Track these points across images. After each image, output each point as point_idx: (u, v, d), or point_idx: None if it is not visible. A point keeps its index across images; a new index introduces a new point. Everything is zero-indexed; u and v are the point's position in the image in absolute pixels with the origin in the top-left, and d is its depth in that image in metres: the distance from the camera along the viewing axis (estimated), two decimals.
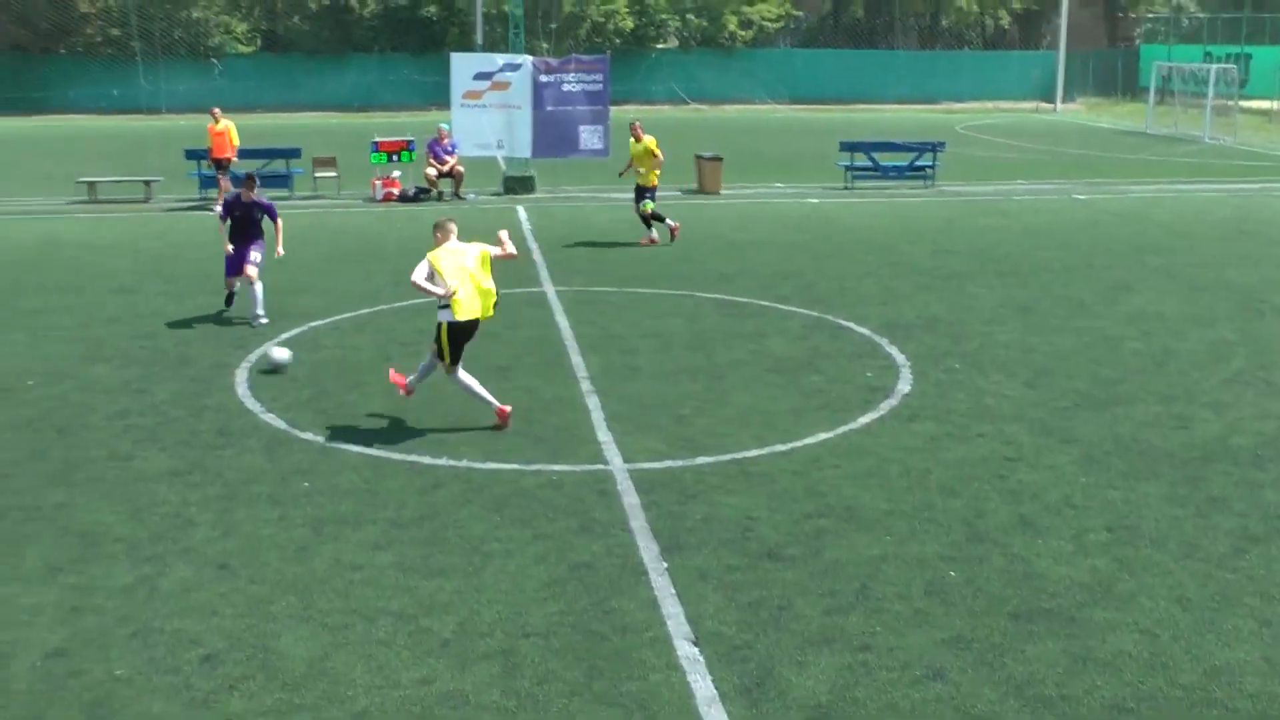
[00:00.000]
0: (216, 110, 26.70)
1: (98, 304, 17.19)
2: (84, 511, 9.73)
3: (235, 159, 26.31)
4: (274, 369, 13.52)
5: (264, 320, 15.75)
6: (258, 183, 16.60)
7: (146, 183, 27.53)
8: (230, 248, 15.93)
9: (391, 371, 12.25)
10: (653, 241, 21.49)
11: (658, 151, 21.76)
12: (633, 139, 22.28)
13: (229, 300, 16.28)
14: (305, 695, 6.94)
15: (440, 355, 11.58)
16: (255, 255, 15.94)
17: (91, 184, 27.40)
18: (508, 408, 11.59)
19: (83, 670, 7.29)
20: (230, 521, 9.44)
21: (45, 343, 15.05)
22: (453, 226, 11.88)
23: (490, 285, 11.55)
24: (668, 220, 21.73)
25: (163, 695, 6.98)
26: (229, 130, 26.02)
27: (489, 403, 11.57)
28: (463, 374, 11.63)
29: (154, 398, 12.69)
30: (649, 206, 21.60)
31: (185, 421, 11.88)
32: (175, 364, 13.93)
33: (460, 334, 11.46)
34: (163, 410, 12.25)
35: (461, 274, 11.34)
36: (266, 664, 7.29)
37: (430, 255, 11.48)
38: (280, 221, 15.99)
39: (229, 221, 15.98)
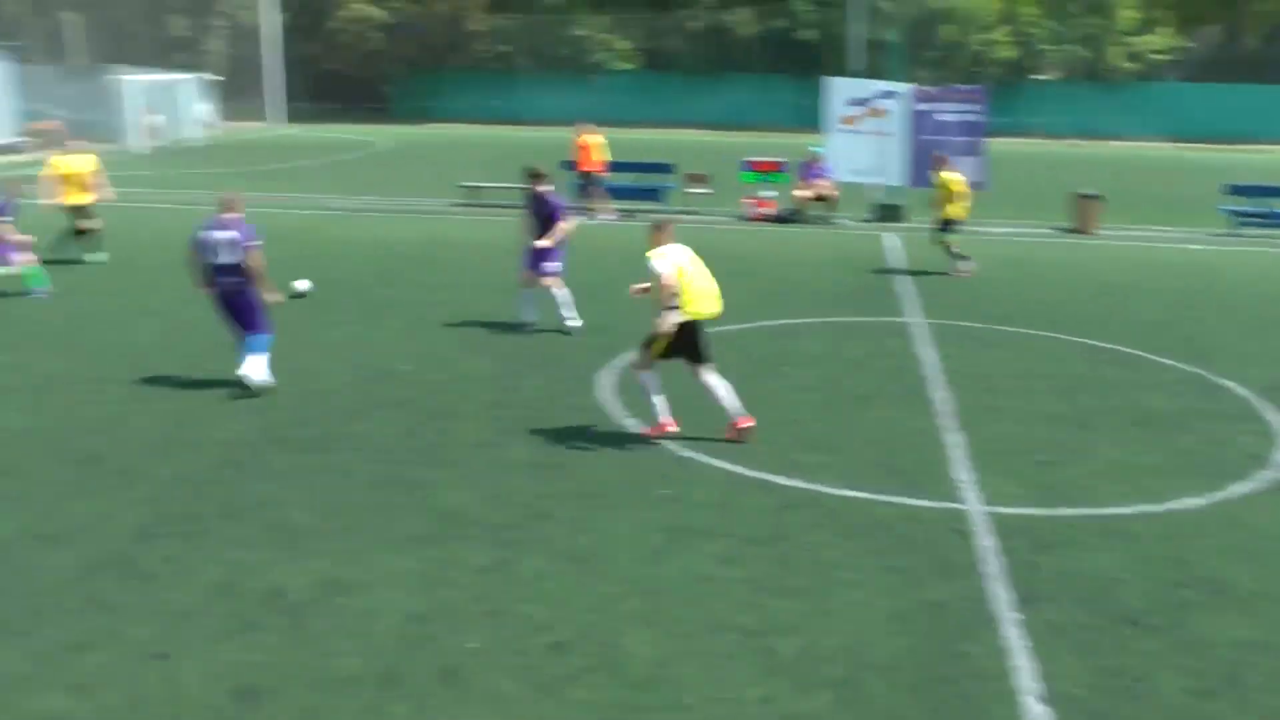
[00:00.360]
0: (584, 124, 27.94)
1: (473, 300, 18.24)
2: (449, 491, 10.40)
3: (605, 172, 27.36)
4: (297, 295, 15.12)
5: (574, 323, 16.23)
6: (545, 178, 16.52)
7: (523, 189, 28.78)
8: (538, 243, 16.10)
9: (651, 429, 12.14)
10: (967, 273, 21.11)
11: (955, 187, 21.37)
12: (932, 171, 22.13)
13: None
14: (646, 697, 7.17)
15: (648, 348, 11.80)
16: (552, 264, 16.25)
17: (472, 188, 29.08)
18: (668, 427, 11.83)
19: (437, 637, 7.83)
20: (586, 518, 9.84)
21: (423, 332, 16.16)
22: (671, 227, 12.04)
23: (713, 283, 11.84)
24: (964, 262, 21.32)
25: (511, 674, 7.38)
26: (595, 144, 27.07)
27: (655, 413, 11.84)
28: (649, 374, 11.88)
29: (522, 393, 13.41)
30: (943, 239, 21.45)
31: (551, 417, 12.47)
32: (544, 362, 14.64)
33: (687, 334, 11.67)
34: (530, 405, 12.92)
35: (684, 273, 11.60)
36: (611, 660, 7.57)
37: (651, 255, 11.74)
38: (565, 224, 16.00)
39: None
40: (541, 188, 16.30)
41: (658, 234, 11.94)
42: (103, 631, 7.84)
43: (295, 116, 57.91)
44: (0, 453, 11.31)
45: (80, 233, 20.76)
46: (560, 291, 16.32)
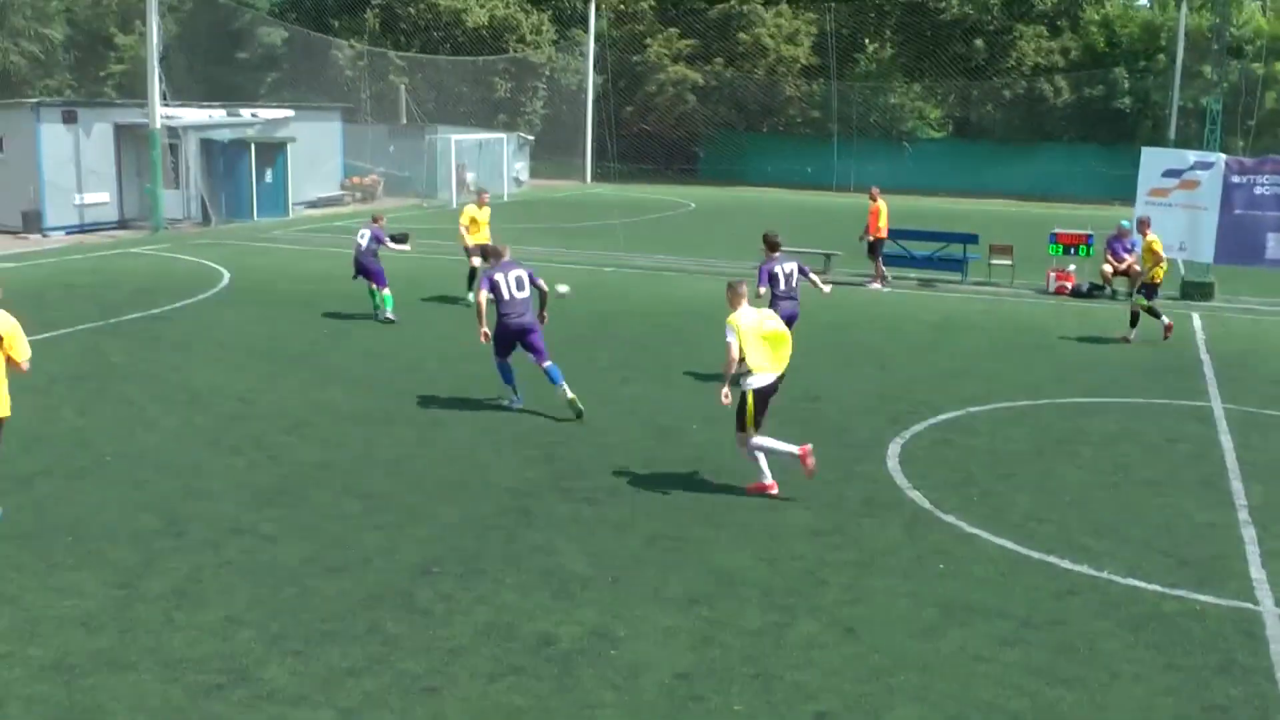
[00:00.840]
0: (874, 190, 27.99)
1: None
2: (726, 551, 10.50)
3: (886, 238, 27.38)
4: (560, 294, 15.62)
5: None
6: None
7: (826, 255, 28.89)
8: None
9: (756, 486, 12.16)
10: (1126, 340, 21.07)
11: (1158, 250, 21.10)
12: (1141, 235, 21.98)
13: None
14: None
15: (743, 426, 11.86)
16: None
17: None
18: (808, 446, 11.82)
19: (704, 697, 7.89)
20: (862, 588, 9.77)
21: (713, 393, 16.14)
22: (744, 289, 12.15)
23: (783, 331, 12.06)
24: (1163, 317, 21.16)
25: None
26: (880, 210, 27.07)
27: (790, 452, 11.79)
28: (758, 439, 11.87)
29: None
30: (1142, 302, 21.19)
31: (835, 485, 12.43)
32: (835, 430, 14.60)
33: (763, 397, 11.84)
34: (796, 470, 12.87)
35: (757, 337, 11.74)
36: None
37: (731, 320, 11.82)
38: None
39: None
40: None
41: (733, 296, 12.17)
42: (377, 660, 8.28)
43: (607, 176, 59.72)
44: (296, 484, 12.12)
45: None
46: None
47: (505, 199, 49.00)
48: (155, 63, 36.11)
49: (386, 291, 21.15)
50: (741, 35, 61.16)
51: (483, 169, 50.92)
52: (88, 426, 14.33)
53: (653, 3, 63.45)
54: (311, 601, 9.23)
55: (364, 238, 21.18)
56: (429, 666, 8.21)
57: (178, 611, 9.03)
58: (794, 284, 16.77)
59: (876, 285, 27.11)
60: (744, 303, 12.11)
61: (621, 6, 63.22)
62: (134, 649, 8.41)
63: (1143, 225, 22.40)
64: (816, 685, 8.08)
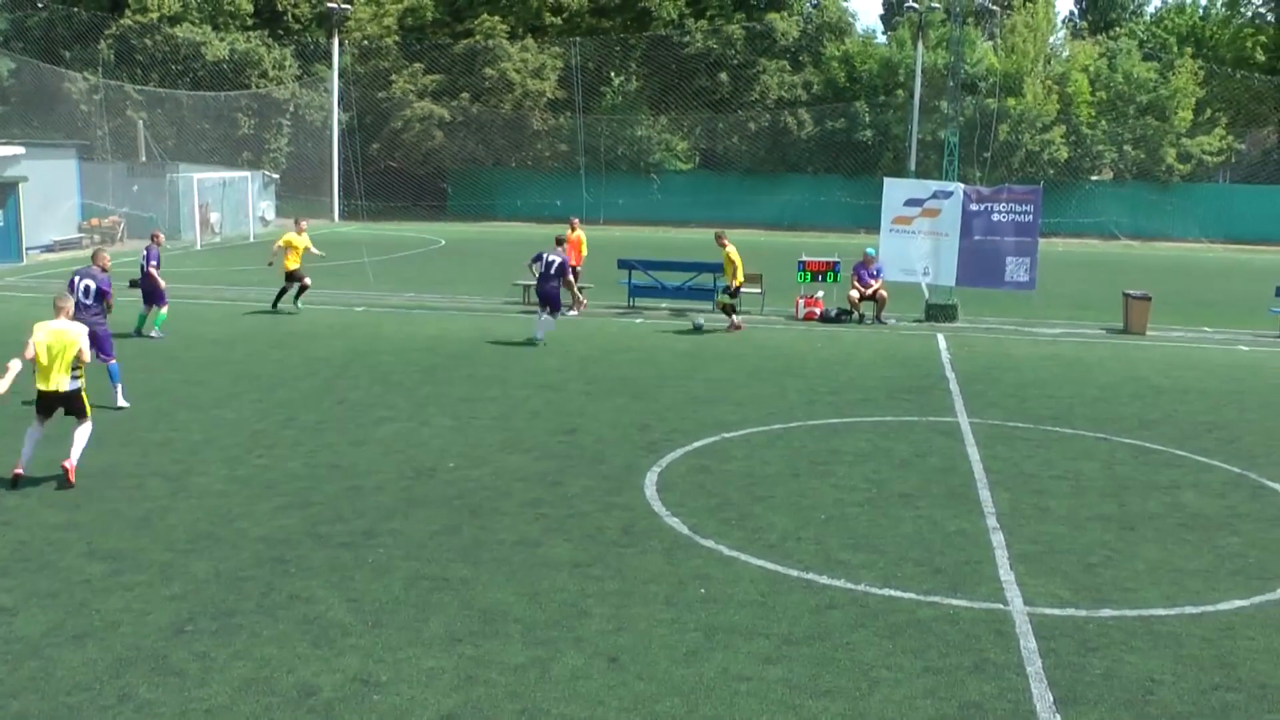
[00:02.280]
0: (574, 220, 30.23)
1: (522, 398, 18.32)
2: (487, 589, 10.36)
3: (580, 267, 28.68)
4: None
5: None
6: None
7: (579, 288, 28.94)
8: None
9: None
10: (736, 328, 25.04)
11: (736, 259, 25.46)
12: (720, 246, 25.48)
13: None
14: None
15: None
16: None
17: (526, 287, 29.26)
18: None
19: None
20: (625, 617, 9.78)
21: (470, 429, 16.22)
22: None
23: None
24: (735, 317, 25.30)
25: None
26: (580, 240, 28.79)
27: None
28: None
29: (566, 490, 13.39)
30: (725, 299, 25.36)
31: (593, 516, 12.44)
32: (590, 461, 14.63)
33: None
34: (573, 503, 12.89)
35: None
36: None
37: None
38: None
39: None
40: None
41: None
42: None
43: (355, 213, 58.85)
44: (35, 549, 11.34)
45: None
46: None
47: (251, 239, 47.81)
48: None
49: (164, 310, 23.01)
50: (487, 70, 61.21)
51: (227, 208, 49.59)
52: None
53: (396, 38, 62.92)
54: (56, 674, 8.63)
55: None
56: None
57: None
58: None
59: (575, 312, 27.42)
60: None
61: (365, 42, 62.52)
62: None
63: (720, 238, 26.08)
64: (582, 717, 8.04)
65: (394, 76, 61.94)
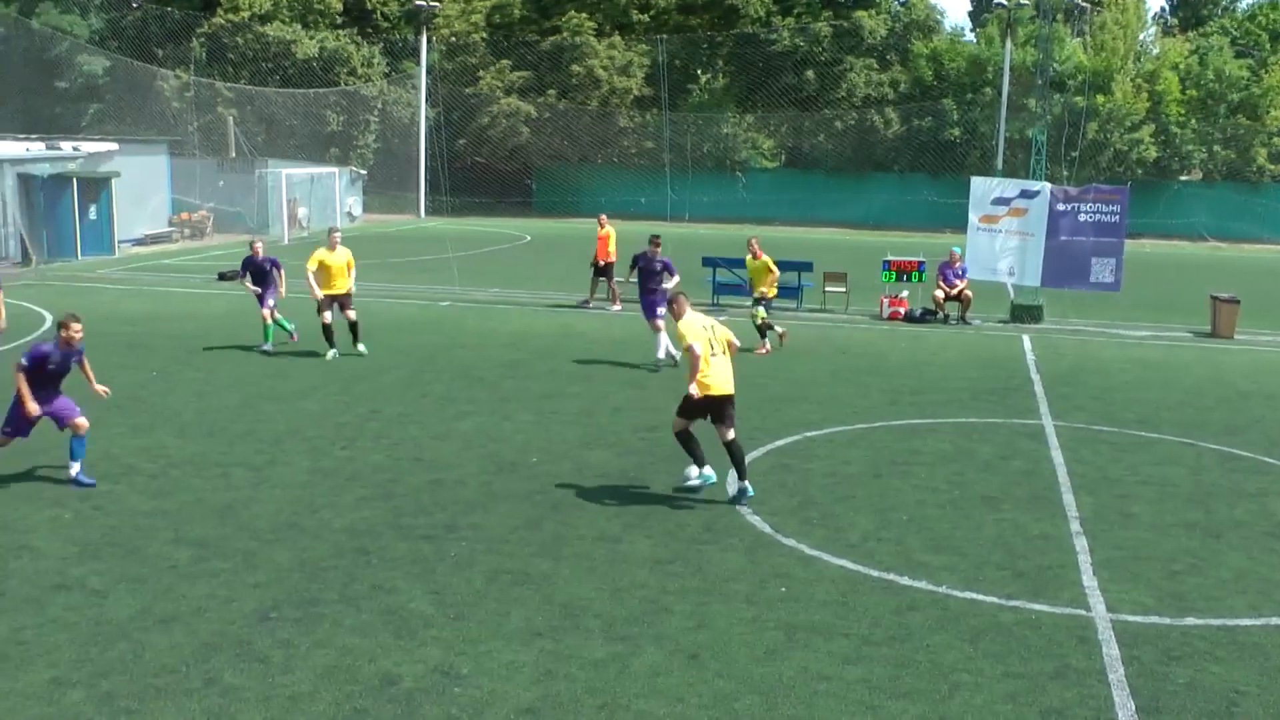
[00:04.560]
0: (603, 216, 29.45)
1: (604, 394, 18.39)
2: (568, 584, 10.42)
3: (614, 262, 28.44)
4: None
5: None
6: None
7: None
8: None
9: None
10: (766, 351, 22.39)
11: (773, 268, 23.11)
12: (750, 256, 23.39)
13: None
14: None
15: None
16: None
17: (619, 283, 29.39)
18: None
19: None
20: (705, 614, 9.78)
21: (551, 424, 16.30)
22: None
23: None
24: (776, 327, 22.79)
25: None
26: (609, 236, 28.25)
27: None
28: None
29: (647, 487, 13.43)
30: (761, 315, 22.60)
31: (675, 513, 12.46)
32: (671, 459, 14.45)
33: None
34: (654, 500, 12.92)
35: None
36: None
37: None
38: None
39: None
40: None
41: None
42: (216, 714, 7.98)
43: (440, 210, 59.36)
44: (125, 535, 11.64)
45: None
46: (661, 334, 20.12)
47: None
48: None
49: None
50: (574, 67, 61.44)
51: (315, 204, 50.21)
52: None
53: (484, 35, 63.35)
54: (144, 656, 8.84)
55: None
56: (269, 715, 7.95)
57: None
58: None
59: (616, 307, 27.79)
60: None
61: (453, 39, 63.02)
62: None
63: (753, 246, 23.59)
64: (662, 713, 8.05)
65: (481, 73, 62.39)
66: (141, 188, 43.22)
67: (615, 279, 28.08)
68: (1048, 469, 14.57)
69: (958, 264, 27.36)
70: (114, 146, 42.62)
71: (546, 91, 62.01)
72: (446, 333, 24.02)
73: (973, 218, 27.61)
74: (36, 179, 38.11)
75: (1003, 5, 60.25)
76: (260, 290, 21.65)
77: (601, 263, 28.36)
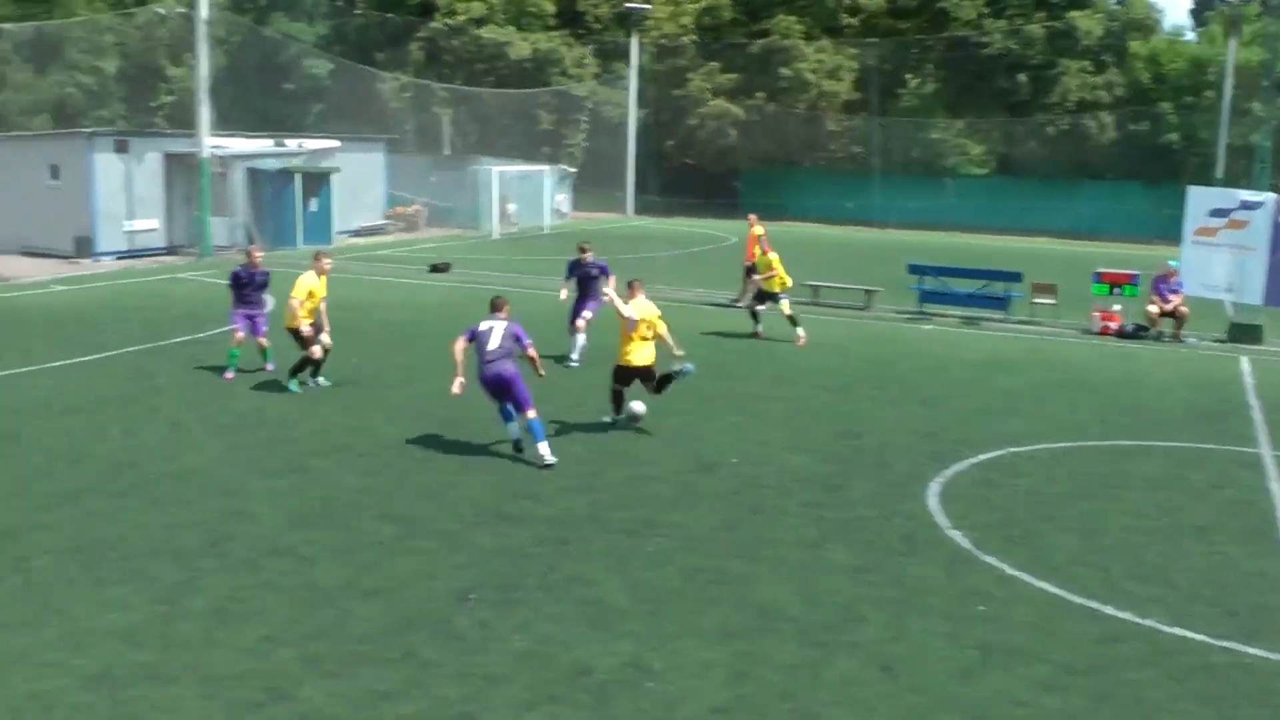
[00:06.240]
0: (753, 217, 28.38)
1: (807, 398, 18.32)
2: (764, 587, 10.44)
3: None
4: (632, 417, 15.74)
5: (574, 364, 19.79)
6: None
7: (867, 291, 28.90)
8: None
9: None
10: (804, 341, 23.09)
11: (775, 266, 23.71)
12: (760, 252, 24.40)
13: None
14: None
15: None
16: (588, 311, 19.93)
17: (816, 287, 29.27)
18: None
19: None
20: (901, 627, 9.68)
21: (754, 426, 16.33)
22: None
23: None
24: (799, 330, 23.26)
25: None
26: (757, 237, 26.99)
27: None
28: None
29: (848, 494, 13.33)
30: (785, 307, 23.37)
31: (874, 523, 12.35)
32: (873, 466, 14.50)
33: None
34: (854, 508, 12.82)
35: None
36: None
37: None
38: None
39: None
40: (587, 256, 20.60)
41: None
42: (413, 685, 8.29)
43: (648, 209, 59.89)
44: (335, 508, 12.21)
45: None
46: (580, 337, 20.24)
47: (545, 230, 49.29)
48: (204, 93, 36.59)
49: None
50: (783, 70, 61.24)
51: (524, 200, 51.19)
52: (134, 446, 14.50)
53: (694, 37, 63.64)
54: (348, 624, 9.25)
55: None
56: (465, 693, 8.19)
57: (218, 629, 9.14)
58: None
59: (741, 303, 27.42)
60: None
61: (664, 41, 63.46)
62: (175, 664, 8.54)
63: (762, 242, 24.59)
64: None
65: (690, 75, 62.68)
66: (360, 183, 44.85)
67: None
68: (1265, 501, 13.90)
69: (1173, 278, 26.36)
70: (336, 144, 44.32)
71: (755, 94, 61.96)
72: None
73: (1189, 230, 26.58)
74: (264, 173, 39.96)
75: (1227, 2, 57.68)
76: (255, 309, 18.92)
77: (750, 263, 28.05)
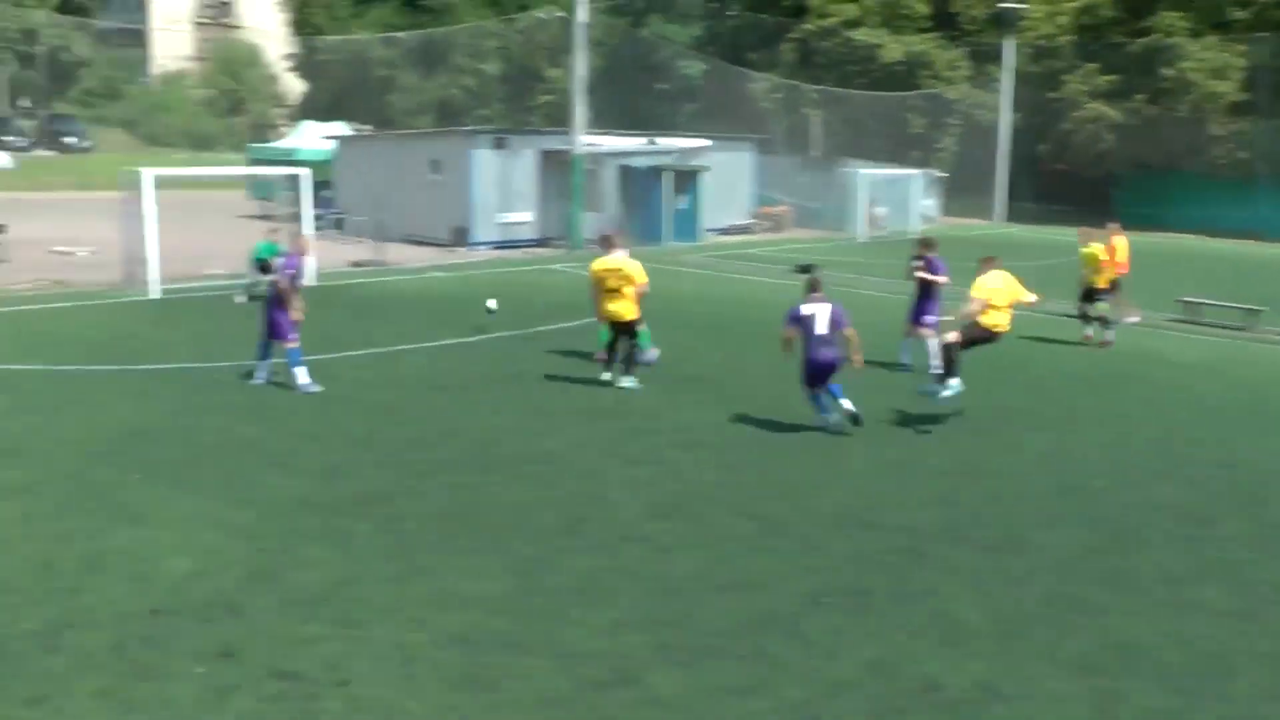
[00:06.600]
0: (1114, 224, 25.91)
1: (1177, 422, 17.22)
2: (1126, 621, 9.72)
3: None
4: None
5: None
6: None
7: (1249, 310, 26.68)
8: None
9: None
10: (1105, 343, 22.78)
11: (1104, 256, 23.13)
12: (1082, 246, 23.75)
13: None
14: None
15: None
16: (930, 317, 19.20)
17: (1192, 304, 27.39)
18: None
19: None
20: (1278, 688, 8.81)
21: (1122, 449, 15.40)
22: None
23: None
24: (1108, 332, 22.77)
25: None
26: (1115, 247, 24.48)
27: None
28: None
29: (1219, 530, 12.28)
30: (1103, 308, 22.94)
31: (1248, 564, 11.28)
32: (1250, 502, 13.31)
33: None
34: (1227, 546, 11.78)
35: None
36: None
37: None
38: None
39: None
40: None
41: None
42: (761, 683, 8.31)
43: (1018, 216, 58.20)
44: (692, 500, 12.41)
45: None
46: (932, 342, 18.42)
47: (912, 235, 48.67)
48: (580, 93, 37.99)
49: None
50: (1165, 70, 57.91)
51: (891, 204, 50.73)
52: (498, 425, 15.25)
53: (1072, 38, 61.19)
54: (699, 616, 9.38)
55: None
56: (811, 696, 8.16)
57: (572, 607, 9.47)
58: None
59: (1134, 319, 25.84)
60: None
61: (1040, 42, 61.34)
62: (530, 635, 8.91)
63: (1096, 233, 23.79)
64: None
65: (1066, 77, 60.28)
66: (728, 182, 45.58)
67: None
68: None
69: None
70: (706, 143, 45.17)
71: (1134, 96, 58.92)
72: (1010, 342, 23.17)
73: None
74: (634, 170, 41.12)
75: None
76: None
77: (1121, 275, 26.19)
